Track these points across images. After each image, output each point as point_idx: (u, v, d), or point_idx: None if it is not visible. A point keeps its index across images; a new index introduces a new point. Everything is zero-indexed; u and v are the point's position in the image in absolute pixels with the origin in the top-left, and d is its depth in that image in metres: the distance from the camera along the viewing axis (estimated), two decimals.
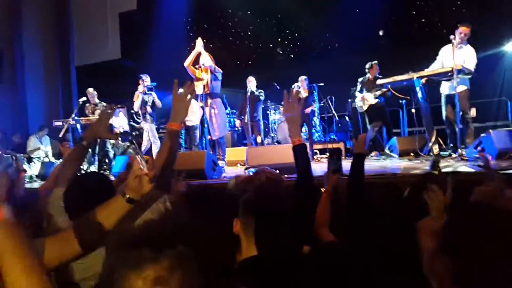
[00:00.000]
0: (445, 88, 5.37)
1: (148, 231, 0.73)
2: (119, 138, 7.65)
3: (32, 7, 9.94)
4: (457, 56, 4.89)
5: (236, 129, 8.89)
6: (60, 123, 7.23)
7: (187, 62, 5.88)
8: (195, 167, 4.54)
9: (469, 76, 5.12)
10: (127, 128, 7.83)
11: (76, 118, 6.93)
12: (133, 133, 8.01)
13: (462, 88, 5.03)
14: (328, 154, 2.41)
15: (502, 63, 8.14)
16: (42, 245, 1.21)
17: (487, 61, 7.73)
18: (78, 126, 6.96)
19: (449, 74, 4.75)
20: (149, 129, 6.75)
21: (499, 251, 1.03)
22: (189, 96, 1.81)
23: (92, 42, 10.30)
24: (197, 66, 5.78)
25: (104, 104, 7.33)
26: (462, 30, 5.15)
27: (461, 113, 5.02)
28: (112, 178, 5.33)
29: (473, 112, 5.04)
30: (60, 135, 6.91)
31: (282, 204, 1.61)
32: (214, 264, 1.44)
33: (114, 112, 2.01)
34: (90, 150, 7.08)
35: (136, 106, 6.80)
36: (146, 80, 6.73)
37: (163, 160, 1.73)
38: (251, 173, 2.86)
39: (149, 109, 6.76)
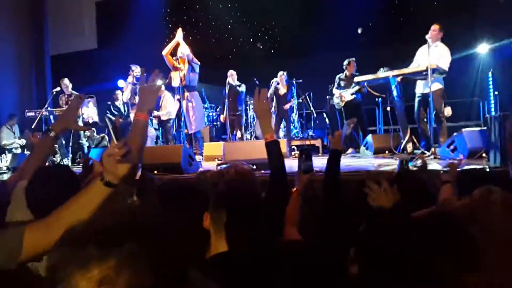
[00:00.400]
0: (419, 87, 5.45)
1: (97, 227, 0.69)
2: (93, 130, 7.49)
3: None
4: (431, 55, 4.99)
5: (215, 124, 8.85)
6: (33, 114, 7.03)
7: (165, 51, 5.82)
8: (171, 161, 4.50)
9: (443, 75, 5.24)
10: (96, 119, 7.66)
11: (49, 109, 6.75)
12: (109, 126, 7.84)
13: (436, 87, 5.13)
14: (298, 153, 2.40)
15: (475, 64, 8.36)
16: (21, 232, 1.16)
17: (461, 62, 7.94)
18: (52, 117, 6.78)
19: (424, 73, 4.85)
20: None
21: None
22: (158, 83, 1.77)
23: (68, 31, 10.03)
24: (174, 58, 5.71)
25: (76, 93, 7.16)
26: (432, 28, 5.26)
27: (434, 112, 5.13)
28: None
29: (447, 111, 5.17)
30: (33, 126, 6.72)
31: (254, 198, 1.61)
32: (183, 261, 1.42)
33: (82, 102, 1.95)
34: (63, 142, 6.97)
35: (125, 96, 6.67)
36: (135, 70, 6.58)
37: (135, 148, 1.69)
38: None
39: (137, 99, 6.62)
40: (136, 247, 0.66)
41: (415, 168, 2.86)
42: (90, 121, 7.44)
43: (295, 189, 2.32)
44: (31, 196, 1.52)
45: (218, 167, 2.85)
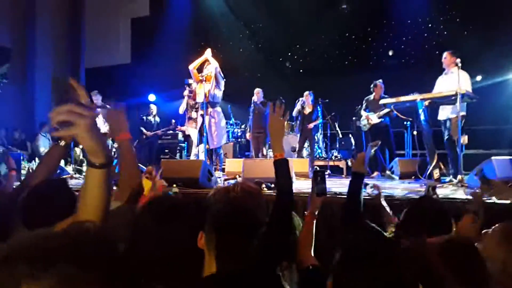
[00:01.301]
0: (442, 114, 5.39)
1: (32, 246, 0.66)
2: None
3: (46, 9, 10.12)
4: (450, 81, 4.97)
5: (239, 140, 8.88)
6: None
7: (192, 66, 5.92)
8: (190, 175, 4.51)
9: (473, 100, 5.08)
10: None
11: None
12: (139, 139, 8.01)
13: (456, 113, 5.01)
14: (312, 175, 2.32)
15: (508, 91, 8.05)
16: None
17: (494, 87, 7.67)
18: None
19: (452, 97, 4.71)
20: (192, 133, 6.75)
21: None
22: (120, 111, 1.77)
23: (103, 46, 10.43)
24: (200, 75, 5.79)
25: (109, 107, 7.35)
26: (444, 56, 5.44)
27: (448, 137, 5.05)
28: None
29: (464, 139, 5.01)
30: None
31: (252, 219, 1.56)
32: (179, 281, 1.39)
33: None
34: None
35: (181, 109, 6.87)
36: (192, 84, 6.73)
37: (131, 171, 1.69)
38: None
39: (193, 113, 6.78)
40: (74, 269, 0.62)
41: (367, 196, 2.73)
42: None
43: (308, 212, 2.26)
44: (25, 210, 1.49)
45: (226, 183, 2.82)
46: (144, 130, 8.07)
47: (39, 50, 9.99)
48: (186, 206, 1.59)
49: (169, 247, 1.42)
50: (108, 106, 1.79)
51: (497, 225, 1.87)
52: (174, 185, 4.43)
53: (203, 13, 9.98)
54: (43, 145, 8.49)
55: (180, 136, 7.60)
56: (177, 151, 7.82)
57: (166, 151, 8.04)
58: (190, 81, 6.69)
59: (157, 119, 8.33)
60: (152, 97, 9.72)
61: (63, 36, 10.48)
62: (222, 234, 1.38)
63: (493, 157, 4.56)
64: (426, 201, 2.46)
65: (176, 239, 1.41)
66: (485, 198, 2.39)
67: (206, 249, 1.40)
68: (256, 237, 1.43)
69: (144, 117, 8.19)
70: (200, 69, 5.91)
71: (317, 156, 8.12)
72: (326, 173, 2.53)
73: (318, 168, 6.98)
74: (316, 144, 8.02)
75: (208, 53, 6.00)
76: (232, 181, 2.53)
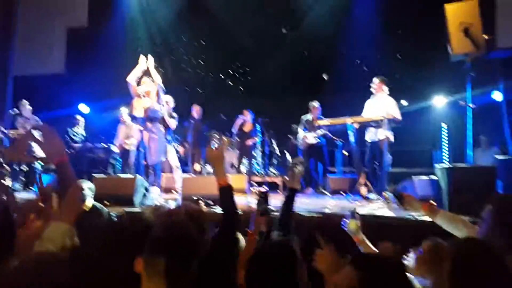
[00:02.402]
0: (369, 136, 5.78)
1: None
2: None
3: None
4: (378, 106, 5.38)
5: (177, 155, 8.77)
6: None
7: (131, 77, 5.67)
8: (123, 192, 4.40)
9: (398, 125, 5.52)
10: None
11: (3, 130, 6.51)
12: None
13: (383, 135, 5.41)
14: (256, 196, 2.41)
15: (430, 116, 8.81)
16: None
17: (418, 112, 8.36)
18: (6, 139, 6.54)
19: (380, 122, 5.10)
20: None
21: None
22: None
23: (36, 54, 9.87)
24: (140, 90, 5.67)
25: (37, 118, 6.97)
26: (373, 81, 5.84)
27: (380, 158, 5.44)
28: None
29: (389, 158, 5.47)
30: None
31: (196, 243, 1.58)
32: None
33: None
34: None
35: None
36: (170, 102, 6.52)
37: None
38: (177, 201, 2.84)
39: None
40: None
41: None
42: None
43: (252, 231, 2.31)
44: None
45: (164, 202, 2.82)
46: (71, 143, 7.68)
47: None
48: (123, 230, 1.58)
49: (107, 273, 1.41)
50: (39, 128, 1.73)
51: (424, 244, 2.01)
52: (106, 202, 4.29)
53: (142, 26, 9.86)
54: None
55: (114, 150, 7.34)
56: (109, 166, 7.53)
57: (98, 166, 7.69)
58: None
59: (83, 131, 7.94)
60: (83, 108, 9.33)
61: None
62: (168, 259, 1.39)
63: (414, 177, 4.96)
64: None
65: (114, 265, 1.40)
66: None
67: (145, 275, 1.40)
68: (197, 259, 1.47)
69: (70, 130, 7.79)
70: (137, 82, 5.76)
71: (255, 172, 8.25)
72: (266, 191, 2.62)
73: (256, 185, 7.11)
74: (254, 160, 8.16)
75: (150, 62, 5.78)
76: (172, 201, 2.54)
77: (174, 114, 6.66)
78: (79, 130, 7.83)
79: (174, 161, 6.35)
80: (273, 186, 7.82)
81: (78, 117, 7.92)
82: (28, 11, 10.11)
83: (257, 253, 1.66)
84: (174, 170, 6.30)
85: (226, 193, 2.05)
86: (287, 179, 2.56)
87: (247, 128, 7.64)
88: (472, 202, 3.78)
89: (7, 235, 1.49)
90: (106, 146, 7.51)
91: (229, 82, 10.99)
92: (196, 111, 7.48)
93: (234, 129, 7.76)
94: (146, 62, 5.73)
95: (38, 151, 1.90)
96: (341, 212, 4.10)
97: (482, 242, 1.59)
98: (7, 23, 9.97)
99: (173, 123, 6.53)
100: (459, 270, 1.41)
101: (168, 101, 6.52)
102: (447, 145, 7.90)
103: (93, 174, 5.41)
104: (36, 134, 1.81)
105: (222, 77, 10.84)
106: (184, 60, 10.46)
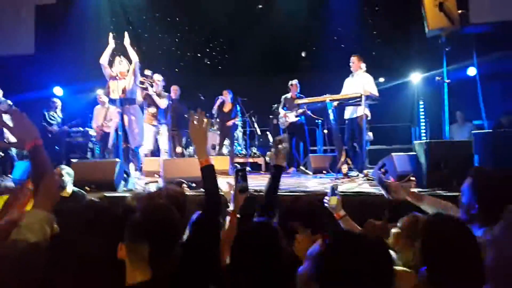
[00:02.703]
0: (347, 113, 5.84)
1: None
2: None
3: None
4: (356, 83, 5.39)
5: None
6: None
7: (104, 59, 5.44)
8: (104, 177, 4.32)
9: (375, 102, 5.58)
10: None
11: None
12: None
13: (360, 112, 5.47)
14: (234, 174, 2.38)
15: (408, 92, 8.96)
16: None
17: (396, 88, 8.47)
18: None
19: (358, 99, 5.14)
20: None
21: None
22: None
23: (3, 33, 9.41)
24: (114, 70, 5.47)
25: (9, 102, 6.70)
26: (351, 60, 5.87)
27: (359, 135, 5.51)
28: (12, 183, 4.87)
29: (369, 136, 5.55)
30: None
31: (178, 226, 1.58)
32: None
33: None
34: None
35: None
36: (157, 78, 6.48)
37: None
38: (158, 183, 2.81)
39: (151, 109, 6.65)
40: None
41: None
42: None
43: (232, 210, 2.30)
44: None
45: (146, 186, 2.78)
46: (49, 127, 7.46)
47: None
48: (104, 215, 1.55)
49: (89, 259, 1.39)
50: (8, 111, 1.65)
51: (402, 220, 2.03)
52: (87, 188, 4.21)
53: (115, 3, 9.50)
54: None
55: (92, 133, 7.16)
56: (88, 150, 7.37)
57: (76, 150, 7.53)
58: (147, 72, 6.33)
59: (60, 114, 7.73)
60: (58, 91, 9.04)
61: None
62: (151, 244, 1.38)
63: (393, 154, 5.05)
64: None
65: (95, 251, 1.38)
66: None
67: (128, 260, 1.39)
68: (179, 242, 1.47)
69: (46, 113, 7.55)
70: (110, 63, 5.54)
71: (237, 153, 8.25)
72: (246, 170, 2.58)
73: (239, 166, 7.11)
74: (235, 141, 8.13)
75: (126, 39, 5.54)
76: (153, 185, 2.51)
77: (164, 93, 6.60)
78: (56, 114, 7.59)
79: (164, 145, 6.29)
80: (255, 167, 7.85)
81: (55, 100, 7.67)
82: None
83: (241, 236, 1.67)
84: (162, 153, 6.23)
85: (208, 173, 2.01)
86: (273, 156, 2.54)
87: (227, 108, 7.58)
88: (450, 177, 3.93)
89: None
90: (83, 130, 7.33)
91: (207, 61, 10.81)
92: (174, 91, 7.34)
93: (214, 110, 7.68)
94: (114, 40, 5.51)
95: (11, 137, 1.83)
96: (323, 190, 4.16)
97: (450, 217, 1.63)
98: None
99: (162, 103, 6.47)
100: (428, 245, 1.45)
101: (158, 80, 6.49)
102: (424, 121, 8.06)
103: (71, 159, 5.29)
104: (6, 118, 1.73)
105: (199, 55, 10.66)
106: (160, 39, 10.19)
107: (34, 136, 1.65)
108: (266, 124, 8.62)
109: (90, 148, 7.33)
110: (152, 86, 6.47)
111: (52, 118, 7.45)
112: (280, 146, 2.44)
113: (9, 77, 8.20)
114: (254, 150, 8.53)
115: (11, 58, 9.14)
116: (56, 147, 6.97)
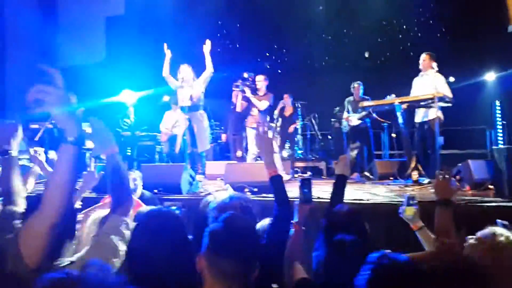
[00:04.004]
0: (418, 116, 5.50)
1: None
2: None
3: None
4: (427, 84, 5.06)
5: (219, 142, 8.82)
6: (36, 126, 6.99)
7: (165, 72, 5.59)
8: (171, 180, 4.44)
9: (448, 104, 5.22)
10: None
11: (54, 121, 6.70)
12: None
13: (433, 115, 5.12)
14: (299, 184, 2.31)
15: (482, 92, 8.31)
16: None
17: (469, 89, 7.89)
18: (55, 130, 6.75)
19: (430, 101, 4.83)
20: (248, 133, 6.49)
21: None
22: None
23: (77, 45, 10.13)
24: (181, 79, 5.57)
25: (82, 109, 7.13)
26: (422, 58, 5.49)
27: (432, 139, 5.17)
28: None
29: (440, 140, 5.18)
30: (36, 139, 6.68)
31: (254, 238, 1.54)
32: None
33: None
34: None
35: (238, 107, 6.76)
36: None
37: None
38: (228, 191, 2.81)
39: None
40: None
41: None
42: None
43: (295, 222, 2.23)
44: None
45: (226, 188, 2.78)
46: (122, 132, 7.85)
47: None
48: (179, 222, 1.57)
49: (165, 266, 1.40)
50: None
51: (482, 233, 1.88)
52: (155, 190, 4.35)
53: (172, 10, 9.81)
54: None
55: (161, 137, 7.46)
56: (156, 153, 7.66)
57: (146, 154, 7.85)
58: (245, 75, 6.37)
59: (132, 119, 8.09)
60: (129, 96, 9.50)
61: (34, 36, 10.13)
62: (233, 260, 1.36)
63: (469, 159, 4.69)
64: None
65: (174, 260, 1.39)
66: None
67: (208, 274, 1.37)
68: (258, 255, 1.43)
69: (119, 118, 7.94)
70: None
71: (297, 157, 8.16)
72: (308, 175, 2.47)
73: (299, 171, 7.02)
74: (296, 145, 8.05)
75: (207, 47, 5.61)
76: (223, 192, 2.50)
77: (269, 94, 6.37)
78: (128, 118, 7.99)
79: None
80: (316, 171, 7.71)
81: (127, 105, 8.08)
82: (67, 4, 10.37)
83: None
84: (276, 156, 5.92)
85: (277, 183, 2.01)
86: (336, 164, 2.45)
87: (288, 112, 7.51)
88: None
89: (70, 220, 1.50)
90: (152, 134, 7.64)
91: (267, 66, 10.83)
92: (235, 96, 7.41)
93: (275, 115, 7.65)
94: (169, 50, 5.61)
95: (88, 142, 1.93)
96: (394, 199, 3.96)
97: None
98: (51, 16, 10.27)
99: (261, 105, 6.27)
100: None
101: (259, 80, 6.36)
102: (501, 124, 7.42)
103: (140, 163, 5.50)
104: (85, 125, 1.82)
105: (259, 60, 10.70)
106: (218, 43, 10.36)
107: (111, 143, 1.71)
108: (327, 128, 8.44)
109: (158, 151, 7.61)
110: (251, 88, 6.34)
111: (125, 123, 7.84)
112: (351, 153, 2.38)
113: (83, 83, 8.78)
114: (315, 154, 8.38)
115: (85, 67, 9.82)
116: (127, 150, 7.29)
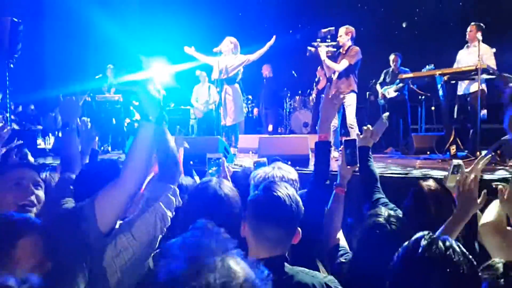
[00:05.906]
0: (460, 89, 5.29)
1: None
2: None
3: None
4: (472, 55, 4.83)
5: (250, 116, 8.84)
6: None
7: (202, 57, 5.61)
8: (206, 152, 4.50)
9: (493, 76, 4.96)
10: None
11: (91, 94, 6.91)
12: None
13: (476, 88, 4.89)
14: (342, 145, 2.26)
15: None
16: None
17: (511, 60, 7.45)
18: (94, 103, 6.94)
19: (473, 73, 4.61)
20: None
21: None
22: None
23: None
24: (218, 49, 5.51)
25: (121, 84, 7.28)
26: (469, 29, 5.22)
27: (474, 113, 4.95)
28: None
29: (483, 113, 4.93)
30: None
31: (291, 205, 1.56)
32: None
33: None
34: None
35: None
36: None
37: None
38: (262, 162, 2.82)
39: None
40: None
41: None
42: None
43: (338, 184, 2.14)
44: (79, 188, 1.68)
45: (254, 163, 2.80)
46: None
47: None
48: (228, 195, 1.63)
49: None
50: None
51: None
52: (191, 162, 4.43)
53: None
54: None
55: (191, 113, 7.52)
56: (189, 126, 7.77)
57: (178, 126, 7.96)
58: (324, 30, 5.20)
59: (163, 91, 8.17)
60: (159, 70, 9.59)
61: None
62: (276, 227, 1.42)
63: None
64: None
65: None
66: None
67: (252, 238, 1.41)
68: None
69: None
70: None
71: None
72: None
73: (346, 140, 6.92)
74: None
75: (270, 42, 5.49)
76: (261, 161, 2.53)
77: (355, 49, 5.26)
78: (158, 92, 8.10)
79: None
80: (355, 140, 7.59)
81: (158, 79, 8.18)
82: None
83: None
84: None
85: (322, 148, 2.02)
86: (360, 136, 2.33)
87: (321, 85, 7.40)
88: None
89: None
90: (184, 108, 7.73)
91: (297, 37, 10.63)
92: (267, 69, 7.35)
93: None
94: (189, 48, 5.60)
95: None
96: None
97: None
98: None
99: (338, 66, 5.16)
100: None
101: (340, 34, 5.25)
102: None
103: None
104: None
105: (291, 31, 10.51)
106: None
107: (158, 110, 1.76)
108: (362, 101, 8.25)
109: (191, 125, 7.72)
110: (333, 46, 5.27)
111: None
112: (383, 122, 2.33)
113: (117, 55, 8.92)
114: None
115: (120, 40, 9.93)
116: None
